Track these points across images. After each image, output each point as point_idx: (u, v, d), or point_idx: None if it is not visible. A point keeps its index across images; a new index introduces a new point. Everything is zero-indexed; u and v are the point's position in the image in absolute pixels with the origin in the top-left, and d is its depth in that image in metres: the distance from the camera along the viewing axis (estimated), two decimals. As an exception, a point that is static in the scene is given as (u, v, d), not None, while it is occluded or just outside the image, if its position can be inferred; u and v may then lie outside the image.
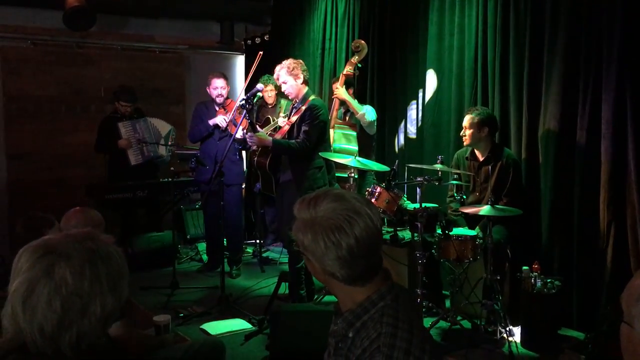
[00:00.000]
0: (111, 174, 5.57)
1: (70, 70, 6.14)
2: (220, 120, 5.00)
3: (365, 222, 1.30)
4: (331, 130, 4.64)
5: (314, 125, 4.04)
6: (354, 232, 1.28)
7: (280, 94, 5.40)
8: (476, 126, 3.87)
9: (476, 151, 4.02)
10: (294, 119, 4.20)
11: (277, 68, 4.18)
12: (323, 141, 4.19)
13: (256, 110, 5.54)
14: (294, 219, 1.37)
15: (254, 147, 4.61)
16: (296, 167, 4.15)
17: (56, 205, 3.38)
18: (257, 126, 4.56)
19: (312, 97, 4.17)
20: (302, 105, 4.14)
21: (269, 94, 5.54)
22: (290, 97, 4.30)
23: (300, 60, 4.24)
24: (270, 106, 5.61)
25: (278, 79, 4.21)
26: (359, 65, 4.81)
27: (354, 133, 4.69)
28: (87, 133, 6.13)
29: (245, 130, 4.64)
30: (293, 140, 4.11)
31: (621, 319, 1.14)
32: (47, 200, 5.56)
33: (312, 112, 4.06)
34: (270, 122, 5.00)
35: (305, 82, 4.18)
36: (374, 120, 4.76)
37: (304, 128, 4.06)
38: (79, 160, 6.14)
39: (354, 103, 4.69)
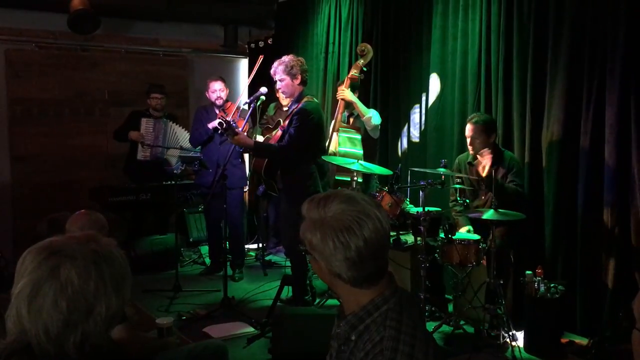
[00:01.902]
0: (126, 168, 5.64)
1: (74, 73, 6.15)
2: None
3: (375, 224, 1.30)
4: (335, 134, 4.61)
5: (299, 129, 3.82)
6: (363, 234, 1.28)
7: None
8: (485, 134, 3.84)
9: (478, 156, 4.01)
10: (287, 123, 4.01)
11: (275, 64, 3.96)
12: (316, 147, 3.98)
13: (259, 114, 5.47)
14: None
15: None
16: (286, 173, 4.01)
17: (60, 208, 3.37)
18: (268, 128, 4.39)
19: (305, 100, 3.96)
20: (295, 107, 3.96)
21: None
22: (285, 97, 4.16)
23: (301, 59, 4.04)
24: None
25: (275, 74, 3.97)
26: (365, 69, 4.80)
27: (359, 136, 4.65)
28: (91, 136, 6.17)
29: (221, 121, 4.45)
30: (276, 144, 3.91)
31: (633, 326, 1.14)
32: (51, 203, 5.55)
33: (300, 116, 3.86)
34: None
35: (303, 82, 3.97)
36: (378, 124, 4.73)
37: (289, 132, 3.87)
38: (83, 163, 6.15)
39: (360, 105, 4.61)
